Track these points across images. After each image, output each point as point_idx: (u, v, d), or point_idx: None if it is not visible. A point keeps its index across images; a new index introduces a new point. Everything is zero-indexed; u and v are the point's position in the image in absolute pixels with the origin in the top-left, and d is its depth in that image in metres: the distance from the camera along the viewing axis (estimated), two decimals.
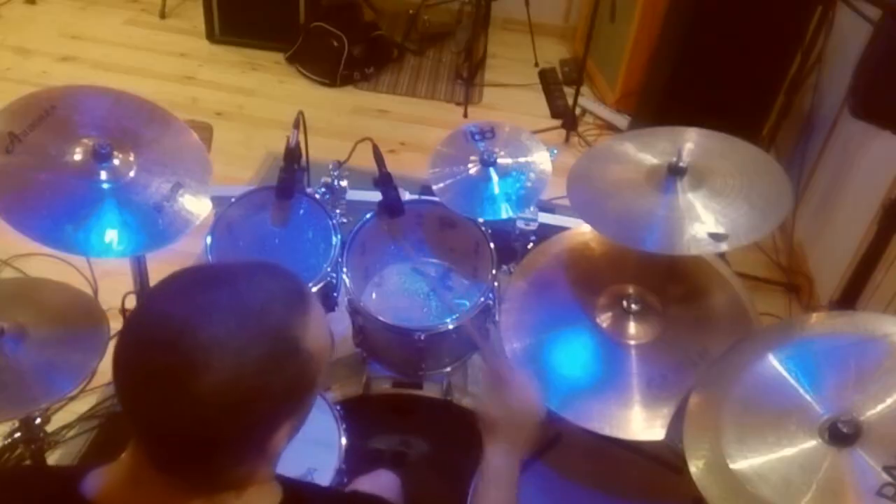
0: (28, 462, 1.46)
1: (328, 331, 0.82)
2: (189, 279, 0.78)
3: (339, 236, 1.65)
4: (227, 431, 0.73)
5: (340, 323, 1.73)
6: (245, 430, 0.74)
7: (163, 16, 4.02)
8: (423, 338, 1.58)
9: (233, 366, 0.71)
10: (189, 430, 0.72)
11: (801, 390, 1.11)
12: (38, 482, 0.86)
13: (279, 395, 0.75)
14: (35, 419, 1.56)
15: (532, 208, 1.77)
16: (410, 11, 3.99)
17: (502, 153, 1.69)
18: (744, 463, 1.07)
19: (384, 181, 1.67)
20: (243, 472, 0.79)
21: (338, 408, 1.52)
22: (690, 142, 1.45)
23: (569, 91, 3.63)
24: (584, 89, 3.54)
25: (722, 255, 1.59)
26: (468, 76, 3.71)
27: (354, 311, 1.64)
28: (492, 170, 1.67)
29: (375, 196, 1.70)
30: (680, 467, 1.36)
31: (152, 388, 0.71)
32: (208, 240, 1.58)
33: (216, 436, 0.73)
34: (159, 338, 0.72)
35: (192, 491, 0.77)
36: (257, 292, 0.77)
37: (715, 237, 1.28)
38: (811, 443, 1.05)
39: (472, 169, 1.69)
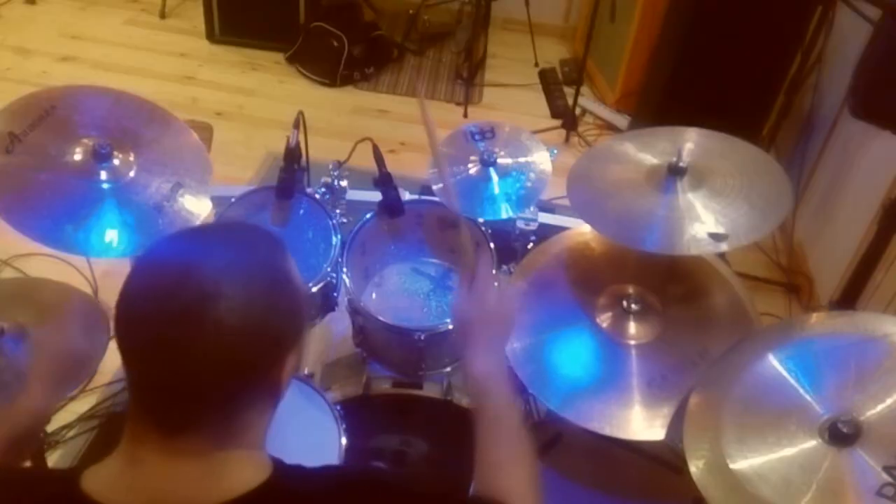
0: (28, 463, 1.47)
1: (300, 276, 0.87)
2: (178, 235, 0.84)
3: (339, 236, 1.65)
4: (247, 353, 0.76)
5: (340, 323, 1.72)
6: (261, 350, 0.77)
7: (163, 16, 4.02)
8: (423, 338, 1.57)
9: (242, 291, 0.75)
10: (213, 359, 0.74)
11: (801, 390, 1.11)
12: (38, 482, 0.87)
13: (286, 318, 0.80)
14: None
15: (532, 208, 1.76)
16: (410, 11, 3.99)
17: (502, 153, 1.69)
18: (744, 463, 1.07)
19: (384, 181, 1.67)
20: (254, 415, 0.81)
21: (338, 408, 1.52)
22: (690, 142, 1.45)
23: (569, 91, 3.63)
24: (584, 89, 3.54)
25: (722, 255, 1.59)
26: (468, 76, 3.71)
27: (354, 311, 1.63)
28: (492, 170, 1.67)
29: (375, 196, 1.70)
30: (680, 467, 1.36)
31: (172, 327, 0.73)
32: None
33: (237, 358, 0.75)
34: (168, 281, 0.75)
35: (195, 455, 0.78)
36: (243, 236, 0.85)
37: (715, 237, 1.28)
38: (811, 443, 1.05)
39: (472, 169, 1.69)
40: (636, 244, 1.33)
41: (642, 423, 1.30)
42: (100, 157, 1.35)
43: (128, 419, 0.80)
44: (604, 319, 1.43)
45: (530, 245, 1.76)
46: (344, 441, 1.46)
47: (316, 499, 0.83)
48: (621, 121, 3.49)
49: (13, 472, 0.91)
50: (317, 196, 1.72)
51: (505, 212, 1.64)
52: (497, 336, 1.09)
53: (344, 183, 1.77)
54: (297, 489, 0.83)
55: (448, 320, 1.60)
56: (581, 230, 1.57)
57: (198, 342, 0.73)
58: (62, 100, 1.41)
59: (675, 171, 1.38)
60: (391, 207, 1.68)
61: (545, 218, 1.87)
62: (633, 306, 1.42)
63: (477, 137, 1.74)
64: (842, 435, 1.03)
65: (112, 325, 0.79)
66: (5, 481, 0.86)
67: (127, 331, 0.77)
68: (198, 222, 1.41)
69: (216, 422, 0.78)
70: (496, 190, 1.66)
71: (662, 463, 1.46)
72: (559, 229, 1.63)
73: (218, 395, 0.77)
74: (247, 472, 0.80)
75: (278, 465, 0.84)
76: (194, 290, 0.74)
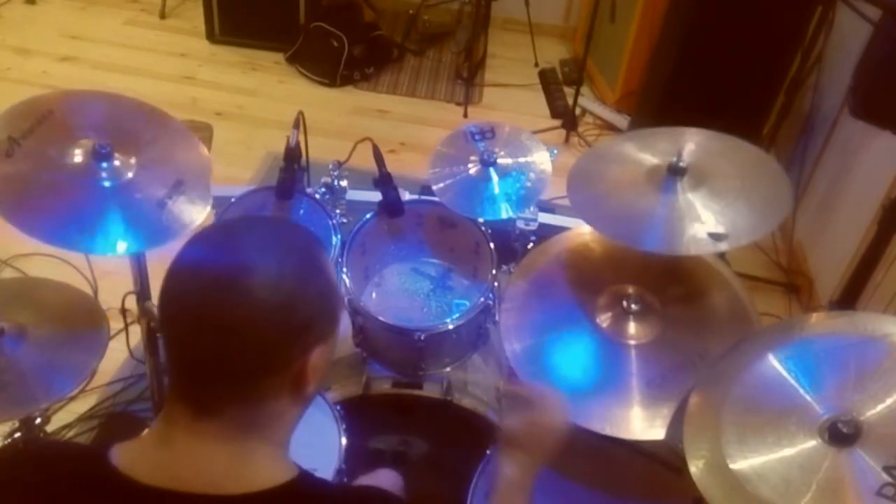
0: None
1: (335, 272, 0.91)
2: (219, 225, 0.93)
3: (339, 236, 1.65)
4: (274, 333, 0.79)
5: (340, 323, 1.72)
6: (288, 335, 0.80)
7: (163, 16, 4.02)
8: (423, 338, 1.58)
9: (275, 268, 0.80)
10: (242, 330, 0.77)
11: (801, 390, 1.11)
12: (68, 455, 0.90)
13: (314, 305, 0.83)
14: (35, 419, 1.56)
15: (532, 208, 1.76)
16: (410, 11, 3.99)
17: (502, 153, 1.69)
18: (744, 463, 1.07)
19: (384, 181, 1.67)
20: (275, 409, 0.83)
21: (338, 408, 1.52)
22: (690, 142, 1.45)
23: (569, 91, 3.63)
24: (584, 89, 3.54)
25: (722, 255, 1.59)
26: (468, 76, 3.71)
27: (354, 311, 1.64)
28: (492, 170, 1.67)
29: (375, 196, 1.70)
30: (680, 467, 1.36)
31: (208, 290, 0.78)
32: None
33: (265, 336, 0.78)
34: (205, 263, 0.80)
35: (221, 440, 0.81)
36: (283, 227, 0.91)
37: (715, 237, 1.28)
38: (811, 443, 1.05)
39: (472, 169, 1.69)
40: (636, 244, 1.33)
41: (642, 423, 1.30)
42: (100, 157, 1.35)
43: (166, 402, 0.84)
44: (604, 319, 1.43)
45: (530, 245, 1.76)
46: (344, 441, 1.47)
47: None
48: (621, 121, 3.49)
49: (43, 445, 0.95)
50: (317, 196, 1.72)
51: (505, 212, 1.64)
52: (540, 450, 1.15)
53: (344, 183, 1.77)
54: (318, 496, 0.86)
55: (448, 320, 1.61)
56: (581, 230, 1.56)
57: (228, 309, 0.77)
58: (60, 104, 1.41)
59: (675, 171, 1.38)
60: (391, 207, 1.68)
61: (545, 218, 1.87)
62: (632, 306, 1.41)
63: (477, 137, 1.74)
64: (842, 435, 1.02)
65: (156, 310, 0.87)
66: (36, 454, 0.90)
67: (170, 310, 0.81)
68: (198, 222, 1.41)
69: (241, 406, 0.81)
70: (496, 190, 1.66)
71: (662, 463, 1.46)
72: (559, 229, 1.63)
73: (244, 373, 0.80)
74: (272, 470, 0.83)
75: (303, 472, 0.86)
76: (230, 260, 0.79)
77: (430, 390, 1.66)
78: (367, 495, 0.94)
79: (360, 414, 1.57)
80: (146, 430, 0.84)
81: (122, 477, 0.79)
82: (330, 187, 1.76)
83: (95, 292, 2.33)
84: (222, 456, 0.81)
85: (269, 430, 0.84)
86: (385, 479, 1.37)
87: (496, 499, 1.11)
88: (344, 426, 1.48)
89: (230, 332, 0.77)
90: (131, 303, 1.68)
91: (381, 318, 1.59)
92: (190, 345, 0.80)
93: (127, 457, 0.81)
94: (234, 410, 0.81)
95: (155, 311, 1.39)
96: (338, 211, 1.76)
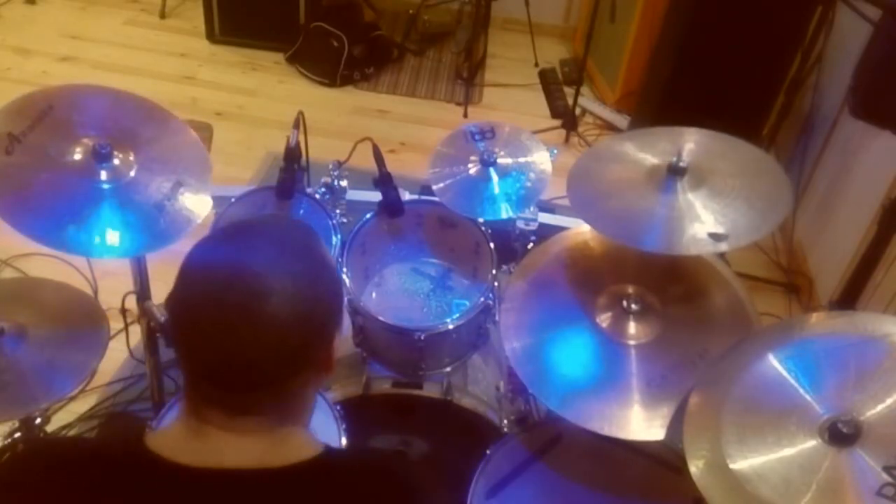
0: None
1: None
2: (221, 233, 0.92)
3: (339, 236, 1.65)
4: (299, 341, 0.82)
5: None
6: (311, 337, 0.84)
7: (163, 16, 4.02)
8: (423, 338, 1.58)
9: (290, 283, 0.82)
10: (268, 351, 0.80)
11: (801, 390, 1.11)
12: (103, 446, 0.94)
13: (330, 300, 0.87)
14: (35, 419, 1.56)
15: (532, 208, 1.76)
16: (410, 11, 3.99)
17: (502, 153, 1.69)
18: (744, 463, 1.07)
19: (384, 181, 1.67)
20: (304, 396, 0.89)
21: (338, 408, 1.52)
22: (690, 142, 1.45)
23: (569, 91, 3.63)
24: (584, 89, 3.55)
25: (722, 255, 1.58)
26: (468, 76, 3.71)
27: (354, 311, 1.63)
28: (492, 170, 1.67)
29: (375, 196, 1.70)
30: (680, 467, 1.36)
31: (228, 323, 0.79)
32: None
33: (291, 348, 0.82)
34: (220, 280, 0.81)
35: (258, 433, 0.84)
36: (279, 227, 0.91)
37: (715, 237, 1.28)
38: (811, 443, 1.05)
39: (472, 169, 1.69)
40: (636, 244, 1.33)
41: (642, 423, 1.30)
42: (100, 156, 1.35)
43: (187, 399, 0.86)
44: (604, 319, 1.43)
45: (530, 245, 1.76)
46: (344, 441, 1.46)
47: (361, 474, 0.90)
48: (621, 121, 3.49)
49: (78, 441, 0.98)
50: (317, 196, 1.72)
51: (505, 212, 1.64)
52: None
53: (344, 183, 1.77)
54: (345, 464, 0.92)
55: (448, 320, 1.61)
56: (581, 230, 1.56)
57: (253, 338, 0.79)
58: (60, 99, 1.40)
59: (675, 171, 1.37)
60: (391, 207, 1.68)
61: (545, 218, 1.87)
62: (633, 306, 1.41)
63: (477, 137, 1.74)
64: (842, 435, 1.02)
65: (168, 324, 0.87)
66: (74, 448, 0.94)
67: (180, 328, 0.82)
68: (199, 221, 1.41)
69: (276, 404, 0.85)
70: (496, 190, 1.66)
71: (662, 463, 1.46)
72: (559, 229, 1.63)
73: (275, 382, 0.83)
74: (303, 447, 0.88)
75: (327, 445, 0.91)
76: (245, 291, 0.79)
77: (430, 390, 1.66)
78: (386, 460, 1.03)
79: (360, 414, 1.57)
80: (175, 423, 0.87)
81: (161, 459, 0.82)
82: (330, 187, 1.76)
83: (95, 292, 2.33)
84: (259, 446, 0.84)
85: (300, 416, 0.90)
86: None
87: None
88: (344, 426, 1.48)
89: (256, 354, 0.80)
90: (131, 303, 1.68)
91: (381, 318, 1.59)
92: (215, 367, 0.82)
93: (163, 444, 0.84)
94: (268, 408, 0.84)
95: (155, 311, 1.39)
96: (338, 211, 1.76)
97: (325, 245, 0.92)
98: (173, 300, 0.83)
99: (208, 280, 0.82)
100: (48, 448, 0.94)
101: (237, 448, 0.83)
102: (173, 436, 0.85)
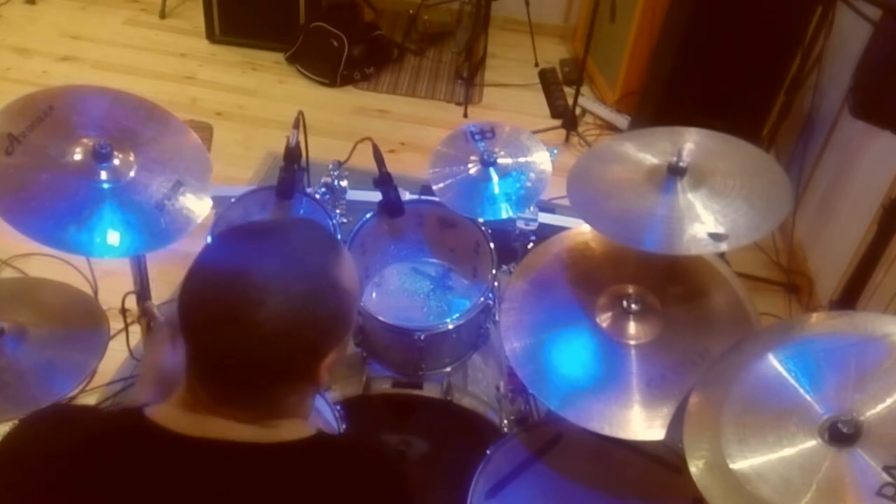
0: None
1: (356, 272, 0.94)
2: (238, 233, 0.92)
3: (338, 236, 1.65)
4: (282, 357, 0.84)
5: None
6: (297, 354, 0.85)
7: (163, 16, 4.02)
8: (423, 338, 1.58)
9: (283, 299, 0.82)
10: (251, 358, 0.83)
11: (801, 390, 1.11)
12: (105, 416, 0.99)
13: (323, 325, 0.86)
14: None
15: (532, 208, 1.76)
16: (410, 11, 3.98)
17: (502, 153, 1.69)
18: (744, 463, 1.07)
19: (384, 181, 1.67)
20: (295, 399, 0.90)
21: (338, 408, 1.52)
22: (690, 142, 1.45)
23: (569, 91, 3.63)
24: (584, 89, 3.54)
25: (722, 255, 1.58)
26: (468, 76, 3.71)
27: None
28: (492, 170, 1.67)
29: (375, 196, 1.70)
30: (680, 467, 1.36)
31: (218, 326, 0.83)
32: (209, 240, 1.58)
33: (273, 361, 0.84)
34: (220, 279, 0.84)
35: (244, 420, 0.87)
36: (297, 239, 0.90)
37: (715, 237, 1.28)
38: (811, 443, 1.05)
39: (472, 169, 1.69)
40: (636, 244, 1.33)
41: (642, 423, 1.30)
42: (100, 157, 1.35)
43: (185, 374, 0.89)
44: (604, 319, 1.43)
45: (530, 245, 1.76)
46: None
47: (349, 457, 0.92)
48: (621, 121, 3.49)
49: (80, 410, 1.02)
50: (317, 196, 1.72)
51: (505, 212, 1.64)
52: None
53: (344, 183, 1.77)
54: (338, 447, 0.95)
55: (448, 320, 1.61)
56: (581, 230, 1.56)
57: (235, 341, 0.82)
58: (60, 100, 1.40)
59: (675, 171, 1.37)
60: (391, 207, 1.68)
61: (545, 218, 1.87)
62: (633, 306, 1.41)
63: (477, 137, 1.74)
64: (842, 435, 1.02)
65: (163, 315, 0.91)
66: (76, 417, 0.98)
67: (183, 315, 0.86)
68: (199, 221, 1.41)
69: (259, 402, 0.87)
70: (496, 190, 1.66)
71: (662, 463, 1.46)
72: (559, 229, 1.63)
73: (254, 387, 0.86)
74: (294, 430, 0.90)
75: (321, 430, 0.94)
76: (240, 295, 0.82)
77: (430, 390, 1.66)
78: (379, 452, 1.03)
79: (360, 414, 1.57)
80: (174, 397, 0.90)
81: (160, 428, 0.86)
82: (330, 187, 1.76)
83: (95, 292, 2.33)
84: (248, 429, 0.87)
85: (291, 412, 0.90)
86: None
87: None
88: (344, 426, 1.48)
89: (238, 355, 0.83)
90: (131, 303, 1.68)
91: (381, 317, 1.59)
92: (204, 355, 0.86)
93: (161, 415, 0.87)
94: (252, 404, 0.87)
95: (156, 311, 1.39)
96: (338, 211, 1.76)
97: (345, 260, 0.91)
98: (182, 289, 0.86)
99: (211, 276, 0.85)
100: (55, 415, 0.99)
101: (225, 427, 0.86)
102: (171, 408, 0.89)
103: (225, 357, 0.84)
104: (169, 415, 0.88)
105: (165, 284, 2.21)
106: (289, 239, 0.89)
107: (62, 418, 0.95)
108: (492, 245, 1.70)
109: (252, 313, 0.81)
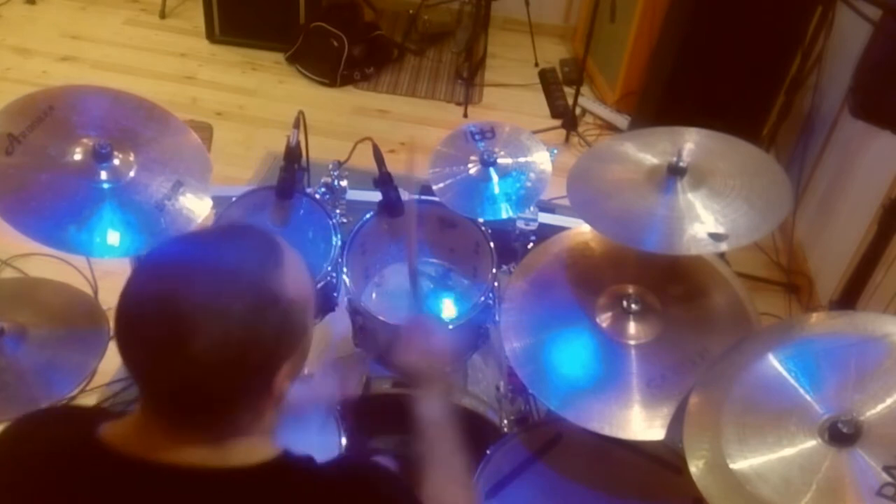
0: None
1: (306, 275, 0.88)
2: (163, 256, 0.84)
3: (339, 236, 1.65)
4: (227, 384, 0.79)
5: (340, 323, 1.72)
6: (243, 379, 0.80)
7: (163, 16, 4.01)
8: None
9: (219, 326, 0.76)
10: (190, 389, 0.78)
11: (801, 390, 1.11)
12: (61, 424, 0.93)
13: (269, 342, 0.80)
14: None
15: (532, 208, 1.76)
16: (410, 11, 3.98)
17: (502, 153, 1.69)
18: (744, 463, 1.07)
19: (384, 181, 1.67)
20: (250, 417, 0.84)
21: (338, 408, 1.52)
22: (690, 142, 1.45)
23: (569, 91, 3.63)
24: (584, 89, 3.54)
25: (722, 255, 1.58)
26: (468, 76, 3.71)
27: (354, 311, 1.63)
28: (492, 170, 1.67)
29: (375, 196, 1.70)
30: (680, 467, 1.36)
31: (150, 357, 0.78)
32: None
33: (217, 390, 0.79)
34: (147, 313, 0.78)
35: (200, 442, 0.82)
36: (230, 254, 0.82)
37: (715, 237, 1.28)
38: (811, 443, 1.05)
39: (472, 169, 1.69)
40: (636, 244, 1.33)
41: (642, 423, 1.30)
42: (100, 157, 1.35)
43: (141, 396, 0.84)
44: (604, 319, 1.43)
45: (530, 245, 1.76)
46: (344, 441, 1.47)
47: (318, 482, 0.86)
48: (621, 121, 3.49)
49: (38, 426, 0.95)
50: (317, 196, 1.72)
51: (505, 212, 1.64)
52: (442, 382, 1.18)
53: (344, 183, 1.77)
54: (303, 470, 0.87)
55: (448, 320, 1.60)
56: (581, 230, 1.56)
57: (174, 371, 0.77)
58: (60, 100, 1.41)
59: (675, 171, 1.38)
60: (391, 207, 1.68)
61: (545, 218, 1.87)
62: (633, 306, 1.41)
63: (477, 137, 1.74)
64: (842, 435, 1.03)
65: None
66: (31, 435, 0.92)
67: (117, 340, 0.81)
68: (199, 221, 1.41)
69: (213, 422, 0.83)
70: (496, 190, 1.66)
71: (662, 463, 1.46)
72: (559, 229, 1.63)
73: (199, 410, 0.81)
74: (253, 452, 0.85)
75: (287, 451, 0.88)
76: (170, 328, 0.76)
77: None
78: (359, 468, 0.95)
79: (360, 414, 1.57)
80: (131, 415, 0.86)
81: (109, 450, 0.82)
82: (330, 187, 1.76)
83: (95, 292, 2.33)
84: (202, 452, 0.83)
85: (248, 430, 0.85)
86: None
87: (427, 443, 1.11)
88: (344, 426, 1.48)
89: (178, 384, 0.78)
90: None
91: (381, 317, 1.59)
92: (148, 382, 0.81)
93: (116, 434, 0.84)
94: (206, 425, 0.83)
95: None
96: (338, 211, 1.76)
97: (289, 264, 0.84)
98: (116, 313, 0.81)
99: (137, 311, 0.79)
100: (15, 429, 0.93)
101: (177, 450, 0.82)
102: (126, 427, 0.85)
103: (170, 391, 0.79)
104: (121, 434, 0.84)
105: None
106: (220, 254, 0.82)
107: (18, 435, 0.91)
108: (492, 245, 1.70)
109: (187, 345, 0.75)
